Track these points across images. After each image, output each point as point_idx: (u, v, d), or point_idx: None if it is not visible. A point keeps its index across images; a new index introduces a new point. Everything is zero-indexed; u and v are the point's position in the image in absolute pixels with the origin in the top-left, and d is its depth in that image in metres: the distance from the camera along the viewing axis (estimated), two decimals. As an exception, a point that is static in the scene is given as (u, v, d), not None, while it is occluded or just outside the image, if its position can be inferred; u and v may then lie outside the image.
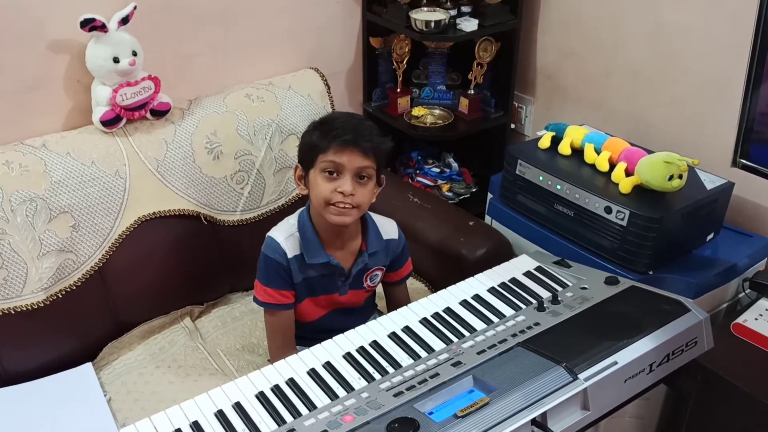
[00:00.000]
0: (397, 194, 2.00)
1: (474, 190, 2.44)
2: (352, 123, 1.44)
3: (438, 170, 2.44)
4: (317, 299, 1.56)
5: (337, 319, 1.56)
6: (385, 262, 1.59)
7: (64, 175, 1.64)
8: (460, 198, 2.40)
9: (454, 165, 2.46)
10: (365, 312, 1.67)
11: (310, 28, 2.14)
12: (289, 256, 1.48)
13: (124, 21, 1.70)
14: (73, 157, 1.67)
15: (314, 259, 1.48)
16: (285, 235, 1.50)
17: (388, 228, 1.60)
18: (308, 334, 1.55)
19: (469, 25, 2.11)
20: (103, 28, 1.65)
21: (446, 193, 2.40)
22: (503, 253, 1.82)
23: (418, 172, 2.43)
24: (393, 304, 1.67)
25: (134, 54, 1.71)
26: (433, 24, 2.06)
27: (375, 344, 1.36)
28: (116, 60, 1.68)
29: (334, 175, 1.41)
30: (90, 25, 1.63)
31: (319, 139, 1.42)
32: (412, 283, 1.97)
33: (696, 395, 1.53)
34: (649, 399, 1.45)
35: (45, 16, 1.67)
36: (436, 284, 1.87)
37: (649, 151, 1.71)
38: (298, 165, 1.50)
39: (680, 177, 1.61)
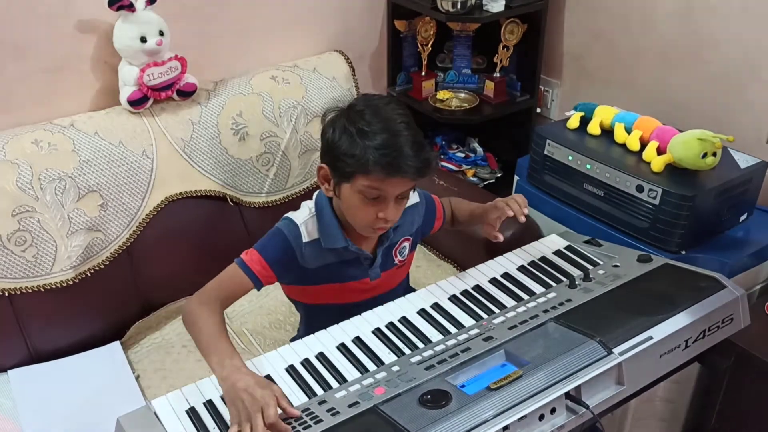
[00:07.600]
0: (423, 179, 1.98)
1: (499, 175, 2.42)
2: (396, 141, 1.23)
3: (462, 155, 2.42)
4: (346, 285, 1.43)
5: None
6: (410, 230, 1.47)
7: (92, 154, 1.65)
8: (485, 183, 2.38)
9: (479, 150, 2.44)
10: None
11: (335, 11, 2.13)
12: (305, 240, 1.36)
13: (152, 0, 1.70)
14: (101, 136, 1.67)
15: (331, 243, 1.36)
16: (304, 218, 1.37)
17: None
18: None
19: (495, 5, 2.08)
20: (130, 7, 1.66)
21: (471, 179, 2.38)
22: (531, 234, 1.78)
23: (442, 157, 2.41)
24: (462, 220, 1.60)
25: (161, 34, 1.71)
26: (459, 5, 2.04)
27: (404, 320, 1.34)
28: (143, 39, 1.68)
29: (376, 199, 1.28)
30: (117, 4, 1.64)
31: (360, 156, 1.23)
32: (440, 265, 1.96)
33: (730, 375, 1.50)
34: (679, 382, 1.43)
35: (73, -5, 1.67)
36: (464, 266, 1.85)
37: (681, 131, 1.68)
38: (323, 166, 1.32)
39: (714, 155, 1.59)
